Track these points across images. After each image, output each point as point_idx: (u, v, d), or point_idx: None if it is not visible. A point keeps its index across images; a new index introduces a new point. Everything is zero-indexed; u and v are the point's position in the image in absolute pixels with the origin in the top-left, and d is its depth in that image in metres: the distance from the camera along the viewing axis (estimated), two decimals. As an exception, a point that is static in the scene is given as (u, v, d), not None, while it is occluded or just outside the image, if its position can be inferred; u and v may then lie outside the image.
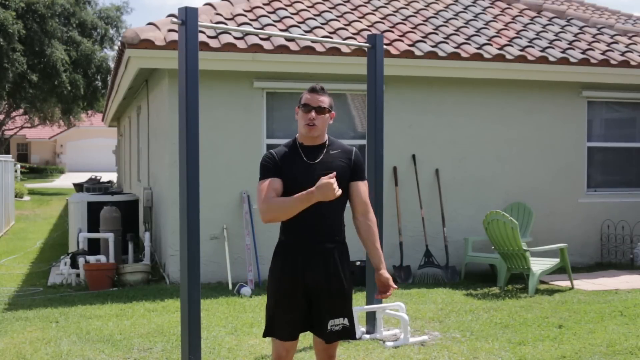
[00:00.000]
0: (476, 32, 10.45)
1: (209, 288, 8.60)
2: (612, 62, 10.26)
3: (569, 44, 10.56)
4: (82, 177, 30.98)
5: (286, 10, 10.07)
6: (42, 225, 18.19)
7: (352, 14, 10.42)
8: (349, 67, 9.17)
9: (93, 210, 10.70)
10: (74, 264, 9.53)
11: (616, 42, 10.99)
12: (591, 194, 10.74)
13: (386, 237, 8.03)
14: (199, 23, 5.12)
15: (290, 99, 9.33)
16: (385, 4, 11.15)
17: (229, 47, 8.72)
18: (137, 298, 8.12)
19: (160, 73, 9.63)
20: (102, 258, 9.56)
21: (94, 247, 10.15)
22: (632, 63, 10.36)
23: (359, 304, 6.96)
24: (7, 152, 44.19)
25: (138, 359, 5.81)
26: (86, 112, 40.54)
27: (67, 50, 31.11)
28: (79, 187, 21.86)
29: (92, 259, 9.41)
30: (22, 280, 9.96)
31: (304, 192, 3.64)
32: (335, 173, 3.67)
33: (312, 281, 3.81)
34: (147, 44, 8.50)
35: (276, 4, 10.27)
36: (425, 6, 11.36)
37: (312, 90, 3.89)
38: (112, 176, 32.90)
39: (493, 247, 8.78)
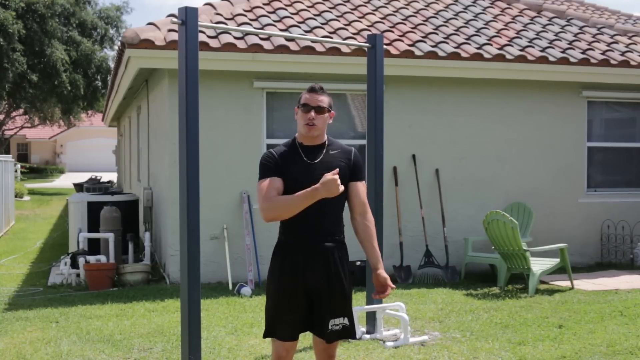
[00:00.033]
0: (476, 32, 10.45)
1: (209, 288, 8.60)
2: (612, 62, 10.26)
3: (569, 44, 10.56)
4: (82, 177, 30.99)
5: (286, 10, 10.07)
6: (42, 225, 18.19)
7: (352, 13, 10.42)
8: (349, 67, 9.17)
9: (93, 210, 10.70)
10: (74, 264, 9.53)
11: (616, 42, 10.99)
12: (591, 194, 10.74)
13: (386, 237, 8.02)
14: (199, 23, 5.12)
15: (290, 99, 9.33)
16: (385, 4, 11.15)
17: (229, 47, 8.72)
18: (137, 298, 8.12)
19: (160, 73, 9.63)
20: (102, 258, 9.56)
21: (94, 247, 10.15)
22: (632, 63, 10.36)
23: (359, 304, 6.96)
24: (7, 152, 44.19)
25: (138, 359, 5.81)
26: (86, 112, 40.53)
27: (67, 50, 31.10)
28: (79, 187, 21.87)
29: (92, 259, 9.41)
30: (22, 280, 9.96)
31: (308, 189, 3.63)
32: (338, 170, 3.68)
33: (313, 281, 3.80)
34: (147, 44, 8.50)
35: (276, 4, 10.27)
36: (425, 6, 11.36)
37: (312, 90, 3.89)
38: (112, 176, 32.90)
39: (493, 247, 8.78)
